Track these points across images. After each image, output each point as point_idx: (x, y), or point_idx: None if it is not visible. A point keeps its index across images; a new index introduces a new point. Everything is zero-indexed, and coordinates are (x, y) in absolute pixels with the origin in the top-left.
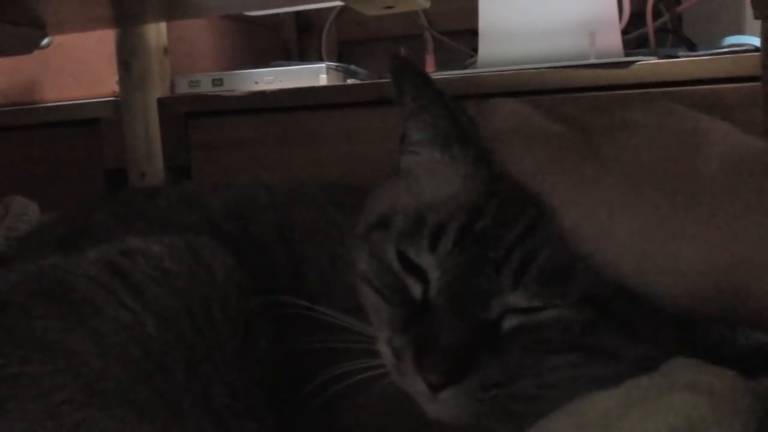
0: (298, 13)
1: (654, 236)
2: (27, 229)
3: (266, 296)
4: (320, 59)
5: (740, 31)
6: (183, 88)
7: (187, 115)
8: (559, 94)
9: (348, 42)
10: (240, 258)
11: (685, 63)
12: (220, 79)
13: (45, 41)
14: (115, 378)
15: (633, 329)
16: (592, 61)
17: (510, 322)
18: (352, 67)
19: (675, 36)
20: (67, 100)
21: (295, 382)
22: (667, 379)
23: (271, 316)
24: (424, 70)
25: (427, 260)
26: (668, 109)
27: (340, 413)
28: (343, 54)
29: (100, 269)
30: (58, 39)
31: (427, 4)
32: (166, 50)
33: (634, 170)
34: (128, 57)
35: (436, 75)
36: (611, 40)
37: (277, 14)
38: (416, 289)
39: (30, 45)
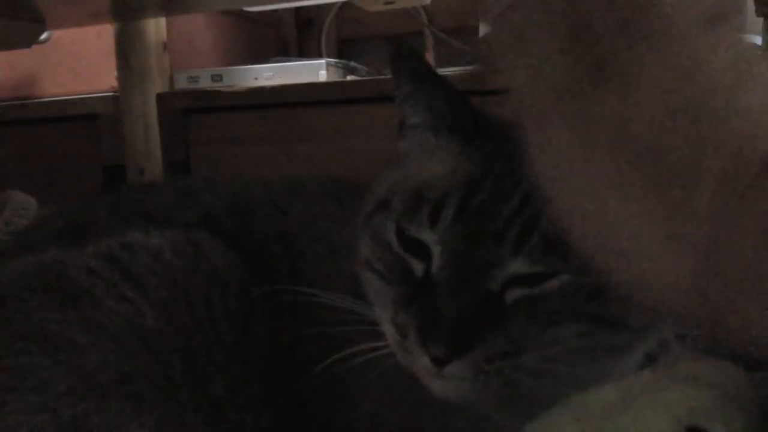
0: (297, 9)
1: (637, 231)
2: (25, 224)
3: (266, 287)
4: (320, 56)
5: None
6: (182, 84)
7: (186, 111)
8: None
9: (348, 39)
10: (239, 252)
11: None
12: (220, 75)
13: (44, 36)
14: (113, 370)
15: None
16: None
17: (513, 294)
18: (352, 63)
19: None
20: (65, 95)
21: (295, 374)
22: (669, 373)
23: (271, 308)
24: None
25: (427, 235)
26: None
27: (340, 405)
28: (343, 51)
29: (100, 262)
30: (58, 34)
31: (428, 0)
32: (165, 46)
33: (627, 143)
34: (127, 52)
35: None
36: None
37: (277, 11)
38: (417, 268)
39: (29, 39)
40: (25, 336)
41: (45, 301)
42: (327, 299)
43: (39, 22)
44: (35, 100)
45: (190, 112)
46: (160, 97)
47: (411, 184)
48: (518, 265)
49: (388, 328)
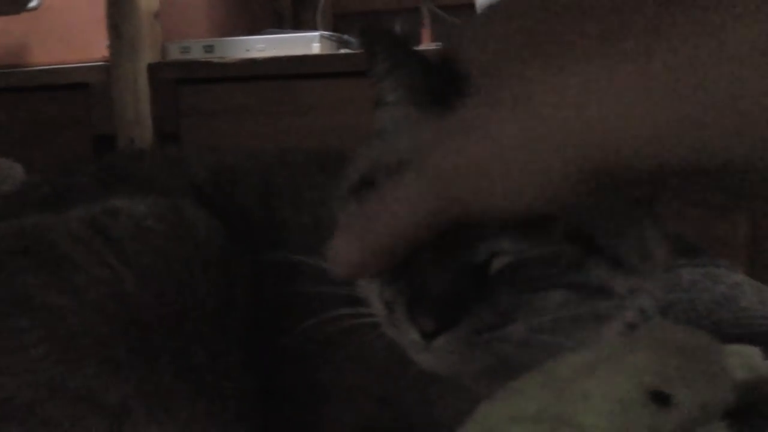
0: None
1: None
2: (11, 191)
3: (248, 255)
4: (315, 30)
5: None
6: (174, 55)
7: (178, 82)
8: None
9: (343, 15)
10: (222, 221)
11: None
12: (212, 46)
13: (34, 2)
14: (92, 334)
15: (619, 261)
16: None
17: (498, 263)
18: (346, 37)
19: None
20: (56, 64)
21: (275, 340)
22: (639, 338)
23: (252, 275)
24: (418, 42)
25: None
26: None
27: (320, 372)
28: (339, 27)
29: (81, 227)
30: (49, 1)
31: None
32: (157, 15)
33: None
34: (118, 21)
35: (432, 48)
36: None
37: None
38: None
39: (18, 6)
40: (3, 298)
41: (24, 264)
42: (311, 262)
43: None
44: (25, 68)
45: (182, 82)
46: (151, 68)
47: (393, 161)
48: (501, 243)
49: (375, 302)
